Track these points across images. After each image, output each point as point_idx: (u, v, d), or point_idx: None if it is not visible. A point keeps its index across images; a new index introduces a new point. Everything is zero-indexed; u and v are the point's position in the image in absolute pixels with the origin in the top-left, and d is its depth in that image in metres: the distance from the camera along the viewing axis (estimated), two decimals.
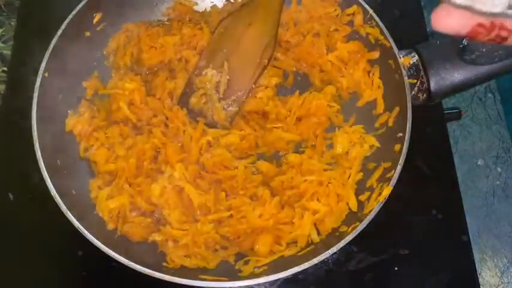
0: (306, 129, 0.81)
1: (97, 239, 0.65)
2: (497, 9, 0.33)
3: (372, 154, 0.78)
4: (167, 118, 0.80)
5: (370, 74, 0.81)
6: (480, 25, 0.34)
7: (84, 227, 0.66)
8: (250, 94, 0.82)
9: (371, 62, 0.82)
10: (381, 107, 0.80)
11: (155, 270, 0.64)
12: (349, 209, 0.73)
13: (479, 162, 0.91)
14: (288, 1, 0.86)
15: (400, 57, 0.75)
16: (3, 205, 0.82)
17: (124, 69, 0.85)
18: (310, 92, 0.82)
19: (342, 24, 0.84)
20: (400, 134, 0.72)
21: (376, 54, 0.81)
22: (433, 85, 0.72)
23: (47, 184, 0.68)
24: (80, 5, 0.79)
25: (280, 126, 0.80)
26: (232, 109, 0.80)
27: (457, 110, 0.92)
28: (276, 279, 0.71)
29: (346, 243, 0.65)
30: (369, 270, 0.77)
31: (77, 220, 0.66)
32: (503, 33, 0.35)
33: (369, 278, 0.77)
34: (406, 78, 0.73)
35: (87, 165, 0.79)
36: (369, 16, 0.80)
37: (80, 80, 0.83)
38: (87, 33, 0.83)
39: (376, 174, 0.74)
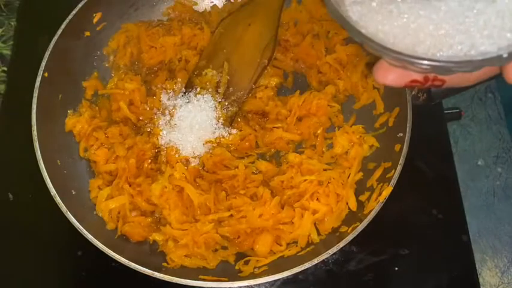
0: (306, 129, 0.80)
1: (97, 239, 0.66)
2: (425, 72, 0.36)
3: (372, 154, 0.78)
4: None
5: (367, 77, 0.81)
6: (414, 81, 0.38)
7: (84, 227, 0.66)
8: (250, 94, 0.82)
9: (369, 65, 0.82)
10: (380, 107, 0.80)
11: (155, 270, 0.64)
12: (349, 209, 0.73)
13: (479, 162, 0.90)
14: (288, 1, 0.86)
15: None
16: (3, 205, 0.82)
17: (124, 69, 0.85)
18: (311, 92, 0.82)
19: (342, 28, 0.84)
20: (401, 134, 0.72)
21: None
22: None
23: (47, 184, 0.68)
24: (80, 5, 0.79)
25: (280, 126, 0.80)
26: (232, 109, 0.80)
27: (457, 110, 0.91)
28: (276, 280, 0.71)
29: (347, 243, 0.65)
30: (369, 271, 0.77)
31: (77, 220, 0.67)
32: (438, 83, 0.38)
33: (369, 278, 0.77)
34: None
35: (87, 165, 0.79)
36: None
37: (80, 80, 0.83)
38: (87, 33, 0.83)
39: (376, 174, 0.74)
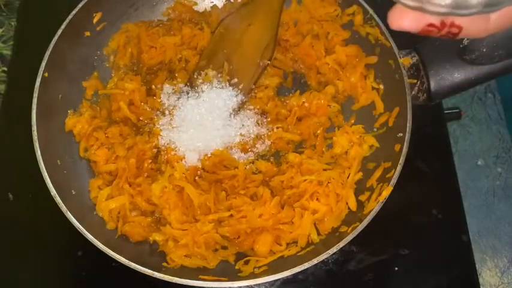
0: (306, 129, 0.81)
1: (97, 239, 0.65)
2: (443, 10, 0.35)
3: (372, 154, 0.78)
4: None
5: (366, 78, 0.82)
6: (431, 25, 0.37)
7: (84, 227, 0.66)
8: (250, 94, 0.82)
9: (369, 65, 0.82)
10: (380, 107, 0.80)
11: (155, 270, 0.64)
12: (349, 209, 0.73)
13: (479, 162, 0.91)
14: (288, 1, 0.86)
15: (400, 57, 0.75)
16: (3, 205, 0.82)
17: (124, 69, 0.85)
18: (311, 92, 0.82)
19: (341, 29, 0.84)
20: (400, 134, 0.72)
21: (374, 59, 0.81)
22: (433, 85, 0.72)
23: (47, 184, 0.68)
24: (80, 5, 0.78)
25: (280, 126, 0.81)
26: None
27: (457, 110, 0.92)
28: (276, 280, 0.71)
29: (346, 244, 0.65)
30: (369, 270, 0.77)
31: (77, 220, 0.66)
32: (454, 30, 0.37)
33: (369, 278, 0.77)
34: (406, 78, 0.73)
35: (87, 165, 0.79)
36: (368, 16, 0.80)
37: (80, 80, 0.83)
38: (87, 33, 0.83)
39: (376, 174, 0.74)
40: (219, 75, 0.81)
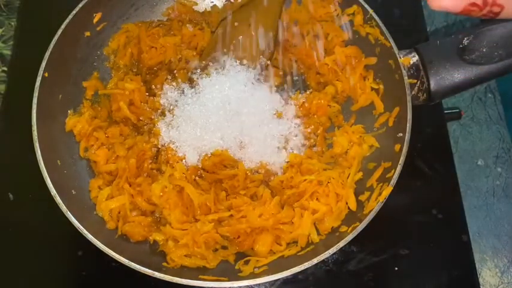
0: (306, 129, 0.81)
1: (97, 239, 0.66)
2: None
3: (372, 154, 0.78)
4: None
5: (365, 79, 0.82)
6: (473, 4, 0.37)
7: (84, 227, 0.66)
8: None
9: (369, 65, 0.82)
10: (380, 107, 0.80)
11: (155, 270, 0.64)
12: (349, 208, 0.73)
13: (479, 162, 0.91)
14: (288, 1, 0.86)
15: (400, 57, 0.75)
16: (3, 205, 0.82)
17: (124, 69, 0.85)
18: (311, 92, 0.82)
19: (341, 30, 0.84)
20: (400, 134, 0.72)
21: (373, 60, 0.81)
22: (433, 85, 0.72)
23: (47, 184, 0.68)
24: (80, 5, 0.79)
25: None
26: None
27: (457, 110, 0.92)
28: (276, 279, 0.71)
29: (346, 244, 0.65)
30: (369, 270, 0.77)
31: (77, 220, 0.67)
32: (496, 9, 0.38)
33: (369, 278, 0.77)
34: (406, 78, 0.74)
35: (87, 165, 0.79)
36: (368, 16, 0.80)
37: (80, 80, 0.83)
38: (87, 33, 0.83)
39: (376, 174, 0.74)
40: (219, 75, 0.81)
